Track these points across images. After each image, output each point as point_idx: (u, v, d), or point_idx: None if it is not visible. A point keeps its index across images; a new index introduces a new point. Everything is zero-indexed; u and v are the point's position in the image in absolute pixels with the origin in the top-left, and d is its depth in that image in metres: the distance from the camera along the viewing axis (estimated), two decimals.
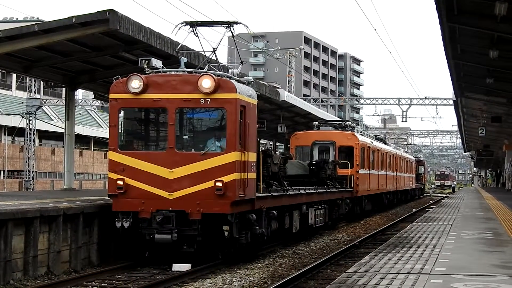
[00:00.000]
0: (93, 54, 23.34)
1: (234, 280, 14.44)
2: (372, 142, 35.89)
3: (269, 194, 18.30)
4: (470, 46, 24.11)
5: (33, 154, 55.26)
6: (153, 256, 16.71)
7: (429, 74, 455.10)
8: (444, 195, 73.60)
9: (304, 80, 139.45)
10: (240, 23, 17.91)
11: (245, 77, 17.92)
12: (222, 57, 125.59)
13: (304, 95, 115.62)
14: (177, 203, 15.93)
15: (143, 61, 16.82)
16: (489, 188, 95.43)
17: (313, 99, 71.68)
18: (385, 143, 45.39)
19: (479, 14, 19.69)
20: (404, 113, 57.30)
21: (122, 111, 16.72)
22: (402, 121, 59.48)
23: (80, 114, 66.57)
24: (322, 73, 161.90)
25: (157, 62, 17.01)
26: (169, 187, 16.01)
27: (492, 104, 38.27)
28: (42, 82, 51.68)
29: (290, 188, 20.37)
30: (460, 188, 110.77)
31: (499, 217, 24.43)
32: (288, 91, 55.40)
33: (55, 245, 15.32)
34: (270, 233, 18.44)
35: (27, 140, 55.06)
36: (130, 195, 16.19)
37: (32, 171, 54.88)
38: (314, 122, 34.21)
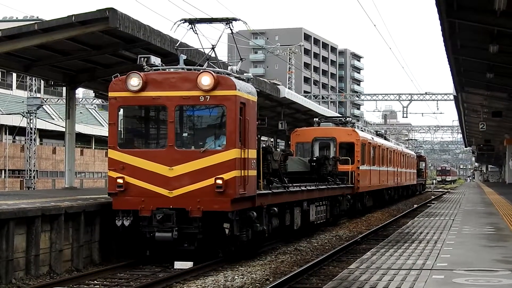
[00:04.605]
0: (93, 53, 23.33)
1: (236, 277, 14.44)
2: (373, 138, 35.87)
3: (270, 191, 18.28)
4: (470, 41, 24.06)
5: (34, 153, 55.23)
6: (154, 254, 16.71)
7: (429, 70, 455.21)
8: (446, 190, 73.66)
9: (304, 76, 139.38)
10: (239, 19, 17.86)
11: (245, 74, 17.87)
12: (222, 55, 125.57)
13: (305, 92, 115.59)
14: (177, 201, 15.91)
15: (142, 58, 16.80)
16: (490, 183, 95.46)
17: (314, 96, 71.70)
18: (386, 139, 45.37)
19: (479, 9, 19.64)
20: (405, 109, 57.29)
21: (121, 109, 16.69)
22: (403, 117, 59.53)
23: (80, 112, 66.57)
24: (322, 69, 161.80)
25: (156, 60, 16.98)
26: (169, 185, 15.99)
27: (492, 99, 38.22)
28: (42, 81, 51.67)
29: (290, 185, 20.35)
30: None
31: (501, 212, 24.42)
32: (289, 88, 55.34)
33: (57, 244, 15.32)
34: (271, 230, 18.43)
35: (28, 139, 55.03)
36: (130, 193, 16.17)
37: (33, 170, 54.85)
38: (314, 119, 34.19)
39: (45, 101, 59.11)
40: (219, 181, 15.64)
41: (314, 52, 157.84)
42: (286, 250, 19.34)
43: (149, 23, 20.70)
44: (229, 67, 17.77)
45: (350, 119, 34.74)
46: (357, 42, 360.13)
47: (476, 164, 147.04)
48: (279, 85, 35.99)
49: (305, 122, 42.09)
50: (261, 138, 53.22)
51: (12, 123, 60.37)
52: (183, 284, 14.13)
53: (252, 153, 16.77)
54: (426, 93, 59.05)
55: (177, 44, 18.71)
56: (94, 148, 76.81)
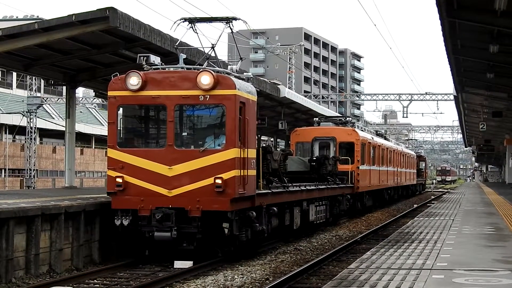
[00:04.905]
0: (93, 52, 23.34)
1: (236, 277, 14.43)
2: (372, 138, 35.86)
3: (269, 191, 18.27)
4: (470, 41, 24.04)
5: (34, 153, 55.20)
6: (153, 253, 16.69)
7: (429, 70, 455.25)
8: (446, 190, 73.70)
9: (304, 76, 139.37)
10: (239, 19, 17.86)
11: (245, 73, 17.86)
12: (222, 54, 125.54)
13: (305, 92, 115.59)
14: (176, 201, 15.89)
15: (142, 57, 16.77)
16: (490, 183, 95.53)
17: (314, 96, 71.66)
18: (386, 138, 45.36)
19: (479, 9, 19.62)
20: (405, 109, 57.28)
21: (121, 108, 16.67)
22: (403, 117, 59.51)
23: (81, 112, 66.47)
24: (322, 69, 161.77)
25: (155, 59, 16.95)
26: (168, 184, 15.97)
27: (492, 99, 38.18)
28: (42, 81, 51.70)
29: (290, 184, 20.34)
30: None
31: (500, 212, 24.42)
32: (289, 88, 55.36)
33: (57, 243, 15.32)
34: (270, 230, 18.42)
35: (28, 138, 55.02)
36: (129, 193, 16.15)
37: (33, 170, 54.83)
38: (314, 118, 34.18)
39: (45, 100, 59.08)
40: (219, 181, 15.63)
41: (314, 52, 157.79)
42: (286, 249, 19.34)
43: (149, 22, 20.74)
44: (229, 67, 17.76)
45: (350, 119, 34.72)
46: (357, 42, 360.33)
47: (476, 164, 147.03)
48: (279, 84, 35.96)
49: (305, 122, 42.08)
50: (261, 138, 53.25)
51: (12, 122, 60.33)
52: (183, 283, 14.12)
53: (252, 153, 16.76)
54: (426, 93, 59.03)
55: (177, 43, 18.69)
56: (94, 147, 76.76)
